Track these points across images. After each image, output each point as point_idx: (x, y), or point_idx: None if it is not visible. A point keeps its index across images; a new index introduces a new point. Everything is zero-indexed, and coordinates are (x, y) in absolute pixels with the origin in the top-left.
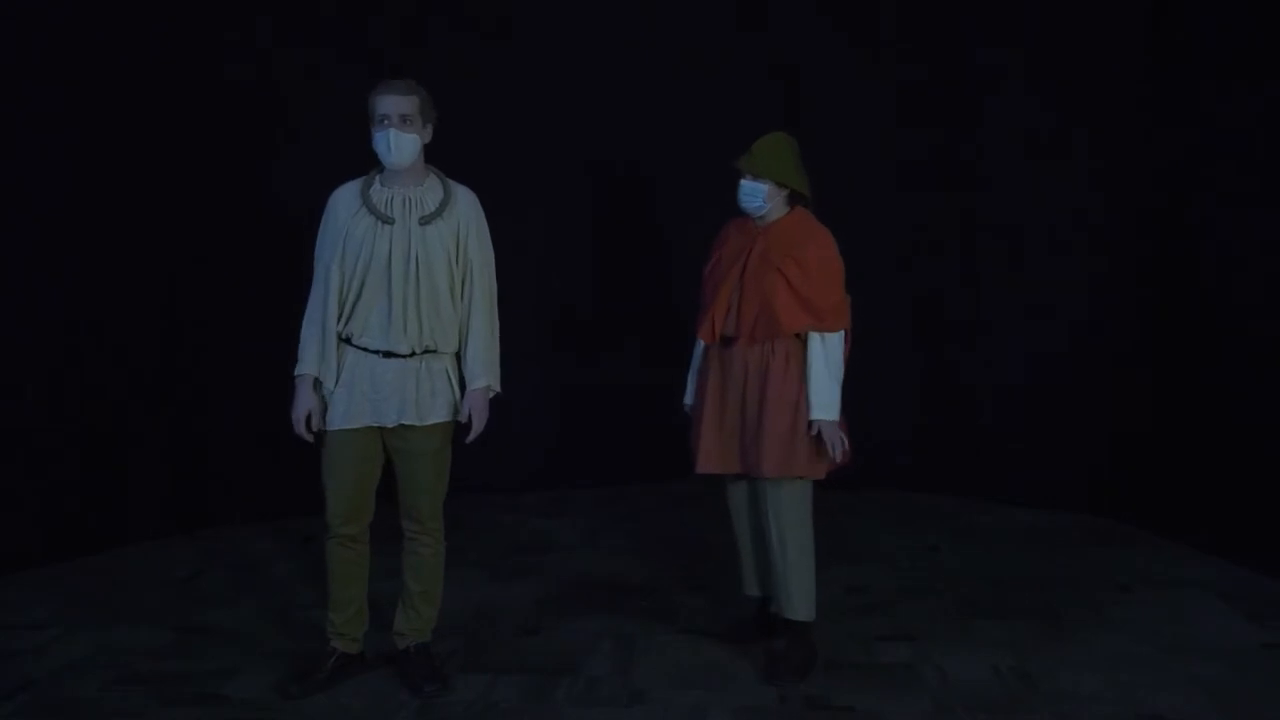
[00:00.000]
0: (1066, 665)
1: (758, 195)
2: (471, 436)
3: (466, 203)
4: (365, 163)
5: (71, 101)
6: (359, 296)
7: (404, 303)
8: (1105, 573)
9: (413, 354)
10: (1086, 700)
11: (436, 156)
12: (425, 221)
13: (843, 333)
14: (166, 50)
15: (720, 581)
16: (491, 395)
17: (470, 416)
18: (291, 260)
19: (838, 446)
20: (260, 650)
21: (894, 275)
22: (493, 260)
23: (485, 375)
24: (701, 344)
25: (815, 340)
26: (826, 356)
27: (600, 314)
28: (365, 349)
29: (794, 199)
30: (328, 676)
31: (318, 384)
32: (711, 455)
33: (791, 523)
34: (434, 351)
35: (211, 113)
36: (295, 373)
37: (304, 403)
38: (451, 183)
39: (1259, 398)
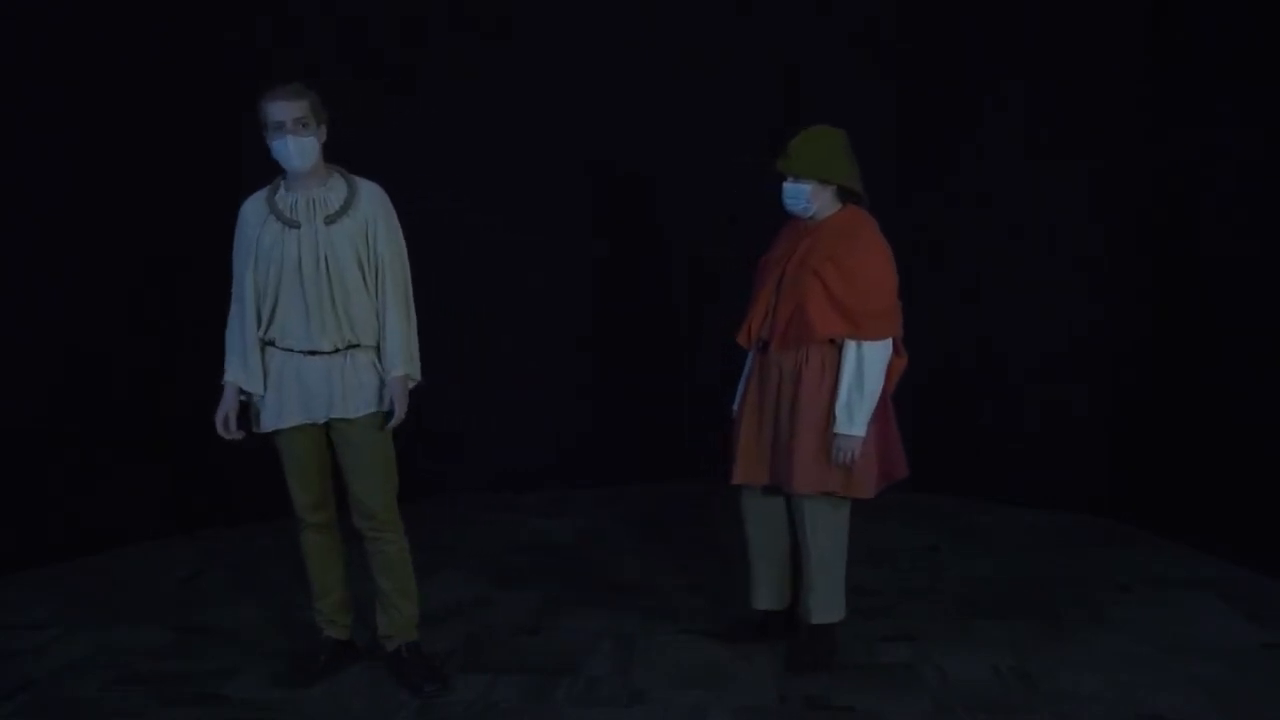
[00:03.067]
0: (1066, 665)
1: (801, 197)
2: (393, 424)
3: (371, 198)
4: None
5: (71, 101)
6: (276, 301)
7: (319, 303)
8: (1105, 573)
9: (336, 350)
10: (1086, 700)
11: (439, 155)
12: (330, 221)
13: (886, 343)
14: (166, 50)
15: (720, 581)
16: (412, 385)
17: (392, 405)
18: None
19: (848, 461)
20: (260, 650)
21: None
22: (404, 251)
23: (402, 365)
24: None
25: (850, 349)
26: (860, 366)
27: (600, 314)
28: (290, 350)
29: (845, 195)
30: (325, 665)
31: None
32: (746, 466)
33: (827, 536)
34: (357, 345)
35: (211, 113)
36: (223, 379)
37: (224, 406)
38: (356, 179)
39: (1259, 398)
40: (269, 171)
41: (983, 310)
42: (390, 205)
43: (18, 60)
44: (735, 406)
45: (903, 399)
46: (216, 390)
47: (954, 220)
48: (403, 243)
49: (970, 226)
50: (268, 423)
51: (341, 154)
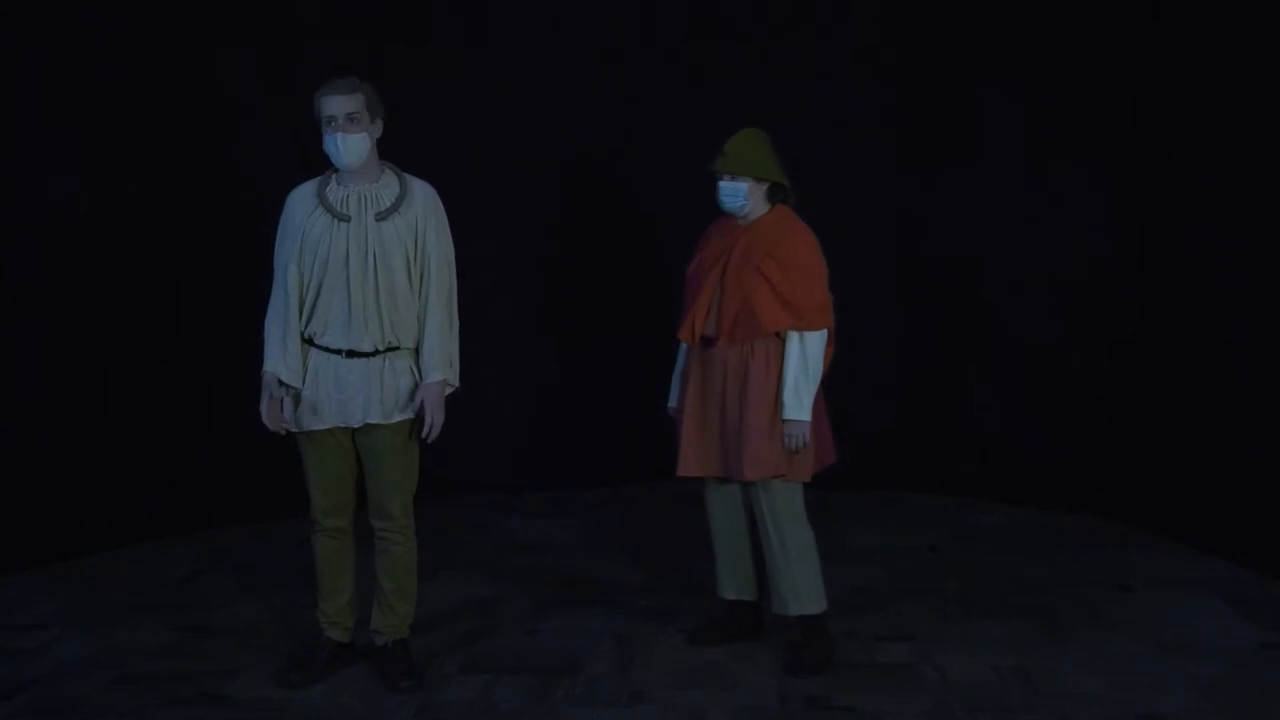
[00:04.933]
0: (1066, 665)
1: (739, 194)
2: (426, 431)
3: (423, 197)
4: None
5: (72, 101)
6: (318, 295)
7: (363, 300)
8: (1105, 573)
9: (375, 352)
10: (1086, 700)
11: (430, 153)
12: (381, 218)
13: (824, 332)
14: (166, 50)
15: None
16: (449, 391)
17: (422, 409)
18: None
19: (799, 446)
20: (260, 650)
21: (892, 275)
22: (452, 254)
23: (440, 369)
24: (685, 346)
25: (793, 339)
26: (804, 356)
27: (600, 314)
28: (327, 349)
29: (773, 195)
30: (324, 665)
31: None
32: (693, 458)
33: (788, 520)
34: (396, 349)
35: (211, 112)
36: (263, 370)
37: (268, 395)
38: (408, 177)
39: (1259, 398)
40: (271, 172)
41: (983, 310)
42: (441, 206)
43: (18, 60)
44: (673, 404)
45: (904, 399)
46: (216, 390)
47: (955, 221)
48: (451, 245)
49: (971, 227)
50: (302, 423)
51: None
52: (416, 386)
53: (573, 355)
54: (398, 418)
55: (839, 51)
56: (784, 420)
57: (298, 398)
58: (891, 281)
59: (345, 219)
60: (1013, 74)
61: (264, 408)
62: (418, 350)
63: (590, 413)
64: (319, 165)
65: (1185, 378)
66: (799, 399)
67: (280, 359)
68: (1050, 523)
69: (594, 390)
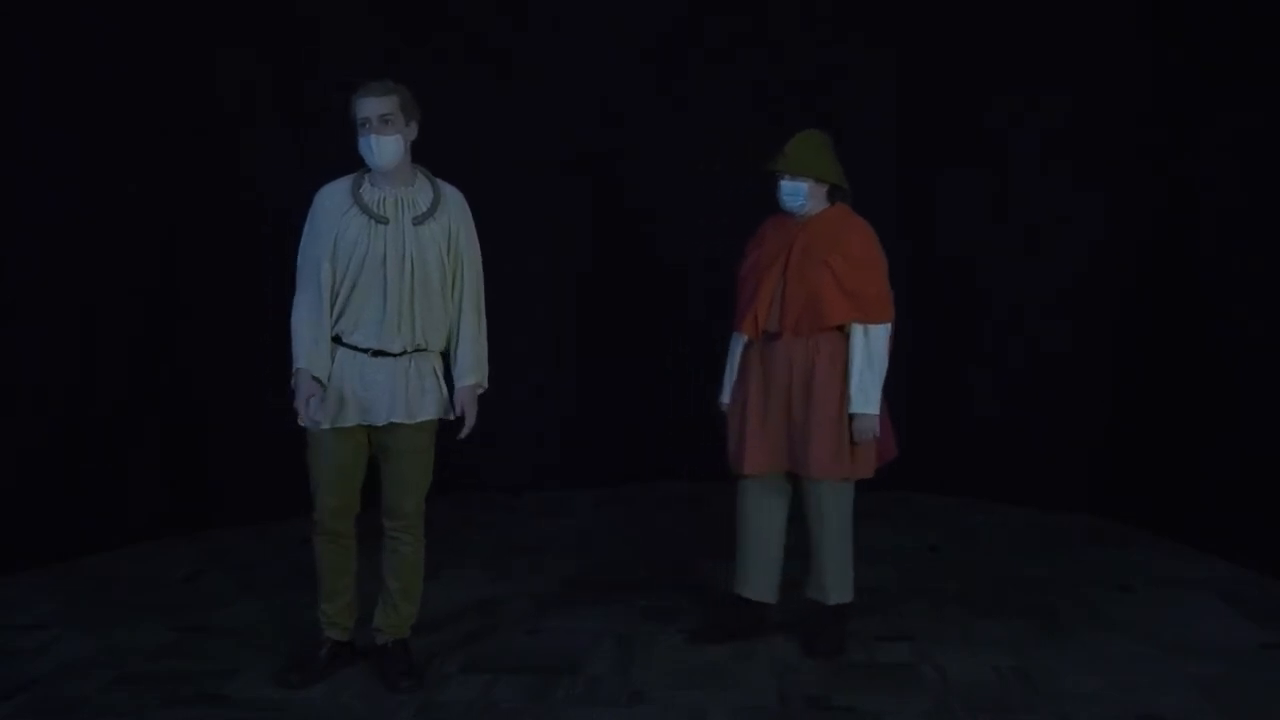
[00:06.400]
0: (1066, 665)
1: (799, 194)
2: (465, 433)
3: (455, 202)
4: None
5: (72, 101)
6: (350, 295)
7: (399, 302)
8: (1105, 573)
9: (403, 352)
10: (1086, 700)
11: (434, 153)
12: (419, 221)
13: (888, 326)
14: (165, 51)
15: (720, 581)
16: (480, 392)
17: (462, 413)
18: (293, 263)
19: (867, 439)
20: (260, 650)
21: (894, 274)
22: (480, 258)
23: (475, 373)
24: (739, 342)
25: (858, 332)
26: (868, 349)
27: (600, 314)
28: (355, 348)
29: (832, 194)
30: (324, 665)
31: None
32: (761, 455)
33: (843, 517)
34: (423, 350)
35: (211, 112)
36: (296, 366)
37: (304, 391)
38: (439, 182)
39: (1259, 397)
40: (270, 172)
41: (983, 310)
42: (470, 211)
43: (17, 60)
44: (725, 399)
45: (904, 399)
46: (216, 390)
47: (956, 222)
48: (479, 250)
49: (972, 228)
50: (323, 420)
51: (344, 154)
52: (439, 388)
53: (573, 356)
54: (421, 418)
55: (842, 53)
56: (851, 414)
57: (323, 395)
58: (892, 282)
59: (384, 221)
60: (1015, 76)
61: (300, 405)
62: (442, 353)
63: (590, 413)
64: (317, 165)
65: (1185, 378)
66: (865, 393)
67: (313, 357)
68: (1050, 523)
69: (594, 391)
